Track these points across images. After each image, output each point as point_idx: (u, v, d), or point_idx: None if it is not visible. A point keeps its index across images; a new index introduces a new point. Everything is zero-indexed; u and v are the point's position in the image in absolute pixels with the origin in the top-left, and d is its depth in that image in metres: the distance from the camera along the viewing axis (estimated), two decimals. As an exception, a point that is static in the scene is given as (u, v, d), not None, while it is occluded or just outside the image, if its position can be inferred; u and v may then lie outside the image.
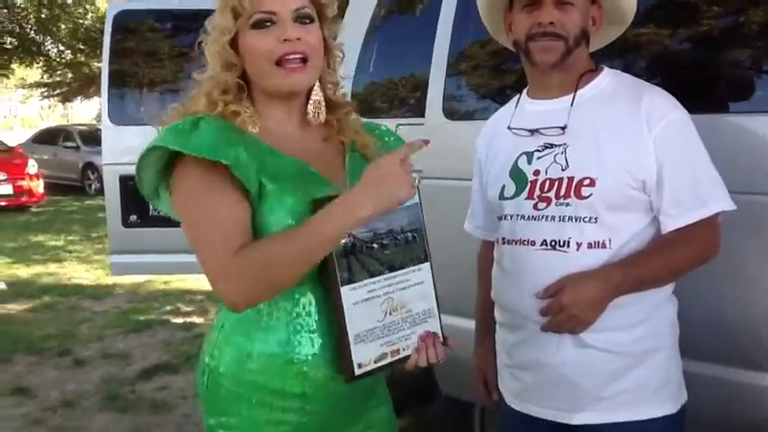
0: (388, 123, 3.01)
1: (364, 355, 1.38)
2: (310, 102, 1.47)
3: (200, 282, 6.53)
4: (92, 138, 15.56)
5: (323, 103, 1.49)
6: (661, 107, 1.62)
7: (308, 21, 1.40)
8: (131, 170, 4.69)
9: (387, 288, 1.41)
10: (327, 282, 1.36)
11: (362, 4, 3.25)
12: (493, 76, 2.74)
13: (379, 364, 1.40)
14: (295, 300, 1.37)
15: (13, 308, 6.29)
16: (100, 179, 15.90)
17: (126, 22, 4.57)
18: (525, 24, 1.67)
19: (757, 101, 2.01)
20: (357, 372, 1.37)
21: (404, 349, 1.43)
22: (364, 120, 1.60)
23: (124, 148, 4.35)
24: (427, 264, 1.47)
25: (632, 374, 1.63)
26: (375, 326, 1.39)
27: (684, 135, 1.62)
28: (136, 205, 4.39)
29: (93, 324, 5.74)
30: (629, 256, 1.61)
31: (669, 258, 1.61)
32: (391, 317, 1.41)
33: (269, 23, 1.37)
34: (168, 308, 6.16)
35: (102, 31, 4.80)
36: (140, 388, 4.31)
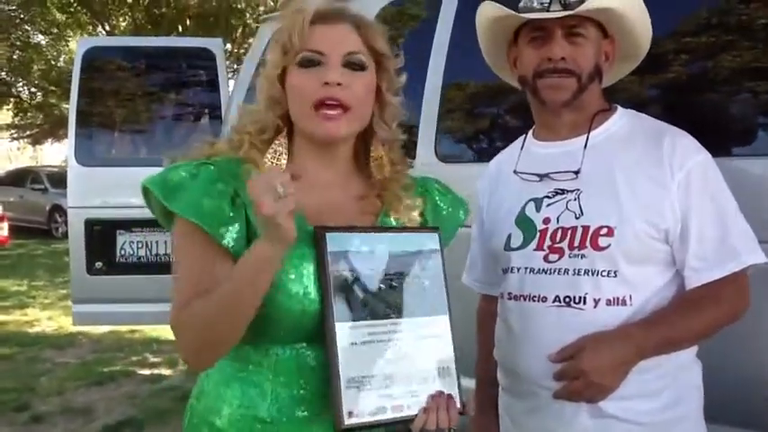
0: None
1: (358, 404, 1.21)
2: (372, 157, 1.38)
3: (168, 330, 6.28)
4: (60, 180, 15.17)
5: (385, 160, 1.38)
6: (684, 150, 1.49)
7: (358, 68, 1.30)
8: (98, 214, 4.52)
9: (393, 334, 1.27)
10: (325, 321, 1.23)
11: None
12: (490, 116, 2.62)
13: (376, 419, 1.22)
14: (278, 355, 1.28)
15: (-30, 358, 5.96)
16: (67, 222, 15.59)
17: (96, 60, 4.42)
18: (533, 60, 1.54)
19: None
20: (347, 421, 1.20)
21: (408, 407, 1.25)
22: (418, 174, 1.49)
23: (91, 190, 4.16)
24: (446, 317, 1.32)
25: (656, 447, 1.45)
26: (374, 374, 1.24)
27: (710, 181, 1.49)
28: (102, 251, 4.20)
29: (54, 376, 5.42)
30: (651, 314, 1.45)
31: (697, 317, 1.45)
32: (396, 367, 1.25)
33: (316, 63, 1.28)
34: (134, 358, 5.86)
35: (71, 74, 4.67)
36: (102, 447, 4.02)
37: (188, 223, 1.23)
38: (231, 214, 1.24)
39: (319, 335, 1.24)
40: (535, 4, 1.53)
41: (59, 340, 6.50)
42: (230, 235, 1.23)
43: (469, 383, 1.81)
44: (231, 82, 5.36)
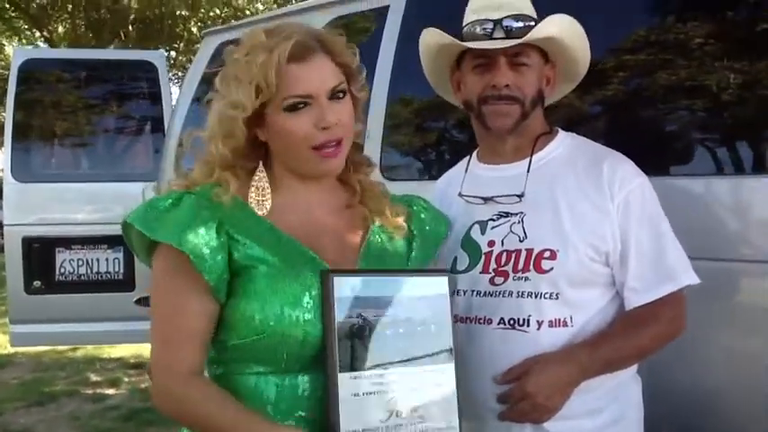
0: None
1: None
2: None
3: (111, 348, 6.18)
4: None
5: (355, 162, 1.43)
6: (622, 174, 1.54)
7: (342, 95, 1.32)
8: (36, 231, 4.38)
9: (397, 384, 1.24)
10: (325, 366, 1.21)
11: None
12: (436, 132, 2.64)
13: None
14: (291, 387, 1.27)
15: None
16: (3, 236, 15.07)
17: (33, 72, 4.31)
18: (477, 86, 1.57)
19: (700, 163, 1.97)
20: None
21: None
22: (399, 194, 1.52)
23: (29, 206, 4.05)
24: (451, 365, 1.31)
25: (599, 464, 1.49)
26: (376, 426, 1.22)
27: (647, 204, 1.55)
28: (40, 270, 4.10)
29: (-9, 397, 5.26)
30: (594, 335, 1.50)
31: (637, 337, 1.51)
32: (398, 419, 1.23)
33: (303, 105, 1.28)
34: (76, 378, 5.72)
35: (6, 80, 4.53)
36: (43, 471, 3.91)
37: (170, 255, 1.23)
38: (215, 243, 1.24)
39: (318, 362, 1.23)
40: (478, 31, 1.56)
41: (-4, 360, 6.31)
42: (214, 269, 1.24)
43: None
44: (176, 89, 5.27)
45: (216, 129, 1.31)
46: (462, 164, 1.73)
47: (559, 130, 1.66)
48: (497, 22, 1.54)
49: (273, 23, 1.36)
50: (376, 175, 1.42)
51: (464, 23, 1.60)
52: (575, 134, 1.68)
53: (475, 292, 1.57)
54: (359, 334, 1.22)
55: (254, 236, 1.28)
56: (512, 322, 1.51)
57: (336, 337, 1.20)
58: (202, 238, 1.23)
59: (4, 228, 4.28)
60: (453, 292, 1.40)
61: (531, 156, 1.59)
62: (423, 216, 1.50)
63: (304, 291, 1.25)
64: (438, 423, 1.27)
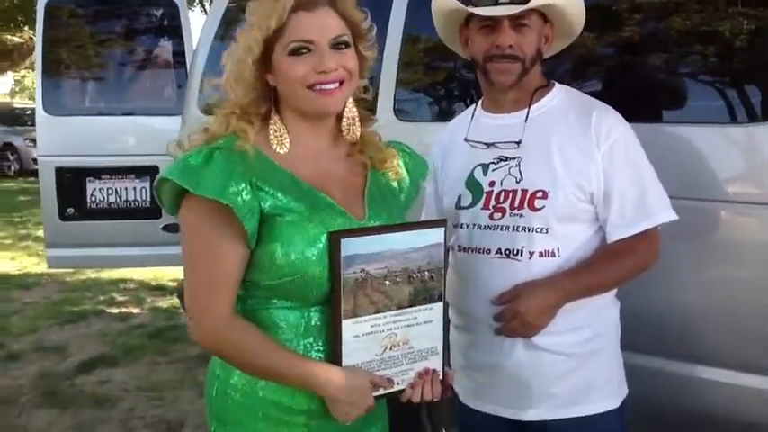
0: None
1: None
2: (344, 118, 1.49)
3: (133, 271, 6.42)
4: (9, 117, 14.91)
5: (357, 119, 1.51)
6: (608, 124, 1.73)
7: (344, 47, 1.41)
8: (67, 161, 4.60)
9: (391, 324, 1.41)
10: (331, 312, 1.38)
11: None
12: (446, 78, 2.81)
13: (372, 395, 1.41)
14: (307, 319, 1.40)
15: (-62, 299, 6.06)
16: (19, 160, 15.33)
17: (58, 7, 4.43)
18: (483, 45, 1.75)
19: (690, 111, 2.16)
20: None
21: (399, 383, 1.44)
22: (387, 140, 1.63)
23: (60, 139, 4.24)
24: (440, 304, 1.47)
25: (579, 373, 1.75)
26: (372, 359, 1.40)
27: (630, 150, 1.74)
28: (73, 198, 4.32)
29: (25, 315, 5.59)
30: (577, 264, 1.72)
31: (615, 267, 1.73)
32: (391, 352, 1.42)
33: (305, 51, 1.38)
34: (102, 297, 6.04)
35: (17, 6, 4.63)
36: (80, 382, 4.24)
37: (206, 206, 1.31)
38: (249, 195, 1.33)
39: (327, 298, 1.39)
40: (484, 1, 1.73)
41: (25, 280, 6.61)
42: (250, 218, 1.33)
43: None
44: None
45: (231, 72, 1.41)
46: (468, 112, 1.93)
47: (555, 83, 1.85)
48: None
49: None
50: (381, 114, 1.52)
51: None
52: (568, 87, 1.87)
53: (476, 226, 1.79)
54: (361, 286, 1.36)
55: (278, 185, 1.38)
56: (507, 252, 1.74)
57: (342, 291, 1.35)
58: (239, 191, 1.32)
59: (38, 158, 4.51)
60: (447, 240, 1.51)
61: (530, 107, 1.77)
62: (407, 160, 1.64)
63: (323, 233, 1.37)
64: (422, 347, 1.46)
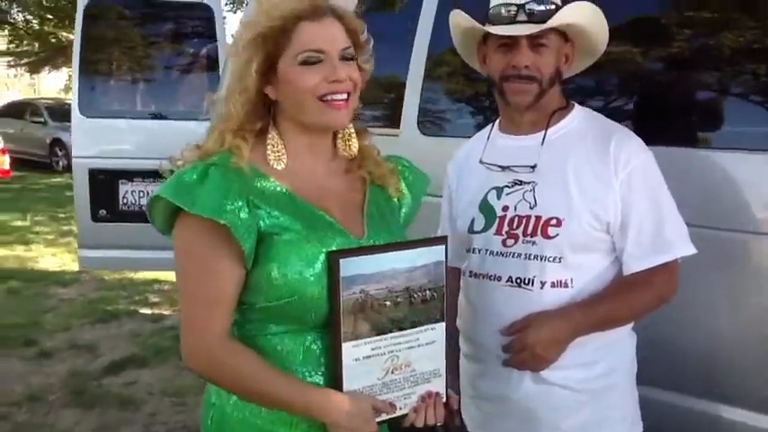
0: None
1: None
2: (340, 133, 1.47)
3: (168, 273, 6.49)
4: (60, 113, 15.26)
5: (353, 134, 1.48)
6: (628, 150, 1.65)
7: (350, 59, 1.39)
8: (101, 164, 4.65)
9: (393, 347, 1.37)
10: (331, 335, 1.33)
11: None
12: (471, 93, 2.75)
13: (375, 420, 1.36)
14: (305, 346, 1.36)
15: (-24, 293, 6.22)
16: (68, 156, 15.65)
17: (97, 10, 4.49)
18: (500, 64, 1.69)
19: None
20: None
21: (402, 407, 1.40)
22: (386, 154, 1.60)
23: (94, 141, 4.30)
24: (442, 324, 1.42)
25: (590, 409, 1.68)
26: (374, 383, 1.36)
27: (650, 178, 1.66)
28: (105, 199, 4.37)
29: (60, 313, 5.69)
30: (590, 296, 1.65)
31: (630, 300, 1.66)
32: (393, 375, 1.37)
33: (317, 61, 1.35)
34: (136, 297, 6.12)
35: (71, 3, 4.71)
36: (108, 382, 4.29)
37: (202, 225, 1.27)
38: (246, 214, 1.30)
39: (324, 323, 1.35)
40: (503, 13, 1.67)
41: (64, 277, 6.74)
42: (247, 238, 1.29)
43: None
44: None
45: (233, 85, 1.37)
46: (485, 132, 1.87)
47: (575, 104, 1.78)
48: (521, 7, 1.65)
49: None
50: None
51: (491, 4, 1.71)
52: (589, 109, 1.80)
53: (488, 252, 1.74)
54: (361, 308, 1.32)
55: (275, 203, 1.34)
56: (518, 281, 1.68)
57: (342, 313, 1.30)
58: (236, 209, 1.28)
59: (73, 160, 4.58)
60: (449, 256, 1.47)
61: (547, 129, 1.71)
62: (407, 174, 1.61)
63: (321, 252, 1.33)
64: (425, 369, 1.41)
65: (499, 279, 1.71)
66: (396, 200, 1.56)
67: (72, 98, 4.53)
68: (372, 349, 1.35)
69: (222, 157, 1.34)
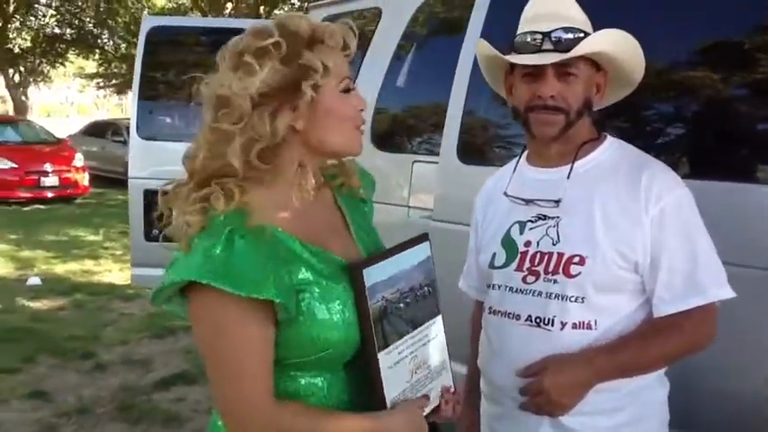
0: (405, 159, 3.03)
1: None
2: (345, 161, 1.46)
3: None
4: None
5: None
6: (660, 186, 1.56)
7: None
8: (155, 184, 4.71)
9: (411, 347, 1.38)
10: (365, 351, 1.30)
11: (386, 38, 3.24)
12: (510, 121, 2.68)
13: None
14: (330, 383, 1.33)
15: (45, 304, 6.45)
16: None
17: (159, 38, 4.63)
18: (525, 94, 1.62)
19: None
20: None
21: (432, 401, 1.42)
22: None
23: (150, 162, 4.40)
24: (440, 316, 1.45)
25: (613, 461, 1.57)
26: (405, 387, 1.36)
27: (684, 216, 1.56)
28: (158, 220, 4.45)
29: (119, 327, 5.84)
30: (616, 340, 1.55)
31: (658, 346, 1.55)
32: (417, 375, 1.39)
33: (352, 87, 1.33)
34: (193, 315, 6.21)
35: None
36: (156, 398, 4.35)
37: (243, 303, 1.17)
38: (287, 281, 1.22)
39: (353, 361, 1.32)
40: (528, 41, 1.61)
41: (127, 292, 6.91)
42: (292, 303, 1.22)
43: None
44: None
45: (260, 131, 1.23)
46: (512, 163, 1.80)
47: (607, 136, 1.69)
48: (546, 35, 1.58)
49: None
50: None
51: (518, 32, 1.65)
52: (622, 141, 1.70)
53: (508, 288, 1.66)
54: (384, 314, 1.33)
55: (293, 257, 1.27)
56: (537, 320, 1.59)
57: (373, 322, 1.29)
58: (277, 279, 1.20)
59: (129, 180, 4.71)
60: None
61: (574, 162, 1.63)
62: (364, 178, 1.54)
63: (348, 296, 1.29)
64: (436, 363, 1.43)
65: (518, 317, 1.63)
66: (361, 202, 1.52)
67: (131, 120, 4.68)
68: (399, 354, 1.35)
69: (232, 218, 1.22)
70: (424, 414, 1.37)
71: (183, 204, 1.27)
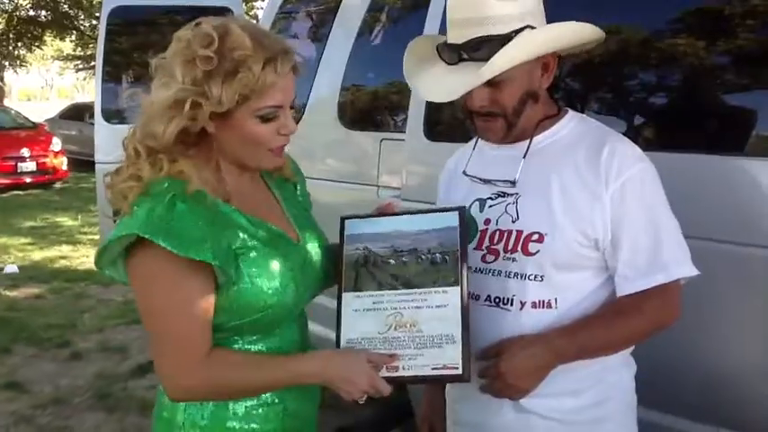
0: (374, 137, 2.96)
1: None
2: None
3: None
4: (117, 115, 15.57)
5: None
6: (621, 160, 1.49)
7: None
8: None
9: (396, 303, 1.39)
10: (338, 290, 1.45)
11: (352, 13, 3.15)
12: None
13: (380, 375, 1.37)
14: (269, 345, 1.42)
15: (22, 292, 6.37)
16: (124, 156, 15.98)
17: (120, 18, 4.52)
18: (460, 102, 1.54)
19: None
20: None
21: (405, 368, 1.37)
22: None
23: (116, 146, 4.30)
24: (456, 288, 1.40)
25: (577, 444, 1.53)
26: (374, 336, 1.38)
27: (646, 192, 1.50)
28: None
29: (96, 313, 5.77)
30: (576, 320, 1.51)
31: (620, 326, 1.51)
32: (396, 332, 1.38)
33: (273, 117, 1.36)
34: (172, 299, 6.15)
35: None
36: (132, 385, 4.30)
37: (175, 259, 1.24)
38: (225, 246, 1.31)
39: (288, 325, 1.45)
40: (446, 59, 1.52)
41: (105, 277, 6.81)
42: (231, 267, 1.31)
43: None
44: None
45: (175, 111, 1.29)
46: (472, 142, 1.74)
47: (568, 110, 1.62)
48: (460, 51, 1.47)
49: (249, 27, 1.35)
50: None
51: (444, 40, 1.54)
52: (583, 116, 1.64)
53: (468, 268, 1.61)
54: (363, 262, 1.42)
55: (232, 223, 1.35)
56: (496, 300, 1.55)
57: (344, 266, 1.43)
58: (216, 242, 1.28)
59: (96, 165, 4.61)
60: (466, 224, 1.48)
61: (530, 141, 1.56)
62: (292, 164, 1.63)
63: (286, 263, 1.38)
64: (433, 333, 1.38)
65: (477, 298, 1.57)
66: (292, 183, 1.61)
67: (95, 103, 4.57)
68: (374, 303, 1.40)
69: (173, 185, 1.31)
70: (386, 375, 1.36)
71: (118, 179, 1.37)
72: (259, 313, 1.35)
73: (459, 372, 1.35)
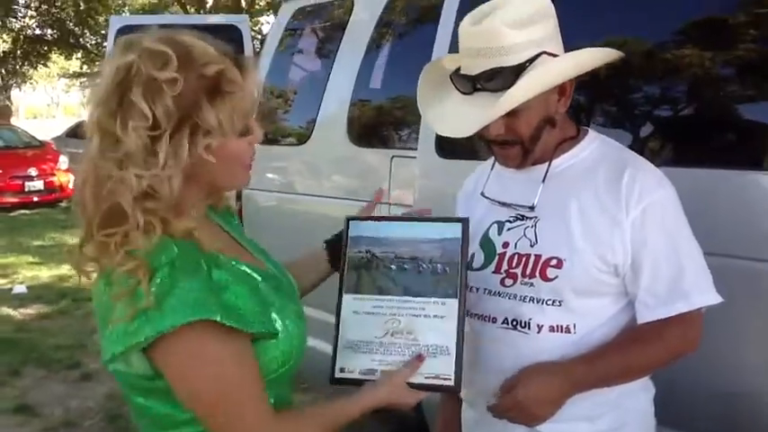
0: (384, 154, 2.94)
1: (350, 363, 1.40)
2: None
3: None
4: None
5: None
6: (642, 185, 1.47)
7: None
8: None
9: (395, 309, 1.40)
10: (339, 292, 1.45)
11: (360, 29, 3.13)
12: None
13: (365, 377, 1.38)
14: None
15: (31, 313, 6.35)
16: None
17: (127, 33, 4.51)
18: (478, 132, 1.50)
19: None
20: (337, 375, 1.40)
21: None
22: None
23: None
24: (454, 300, 1.40)
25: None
26: (371, 340, 1.39)
27: (667, 218, 1.47)
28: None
29: (106, 333, 5.73)
30: (595, 349, 1.48)
31: (639, 354, 1.48)
32: (393, 338, 1.39)
33: (249, 128, 1.25)
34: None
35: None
36: (143, 406, 4.26)
37: (217, 328, 1.12)
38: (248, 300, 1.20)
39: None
40: (460, 89, 1.50)
41: (114, 296, 6.82)
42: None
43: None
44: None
45: (183, 161, 1.14)
46: (490, 161, 1.71)
47: (589, 131, 1.60)
48: (474, 82, 1.45)
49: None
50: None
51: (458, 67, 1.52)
52: (605, 137, 1.60)
53: (486, 291, 1.58)
54: (365, 265, 1.44)
55: (248, 278, 1.25)
56: (514, 323, 1.52)
57: (346, 267, 1.44)
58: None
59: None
60: (469, 236, 1.46)
61: (549, 164, 1.54)
62: None
63: (288, 297, 1.31)
64: (429, 343, 1.37)
65: (494, 320, 1.56)
66: (230, 215, 1.45)
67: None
68: (373, 307, 1.41)
69: (190, 248, 1.16)
70: (418, 382, 1.36)
71: (104, 258, 1.17)
72: (284, 366, 1.25)
73: (452, 383, 1.36)
